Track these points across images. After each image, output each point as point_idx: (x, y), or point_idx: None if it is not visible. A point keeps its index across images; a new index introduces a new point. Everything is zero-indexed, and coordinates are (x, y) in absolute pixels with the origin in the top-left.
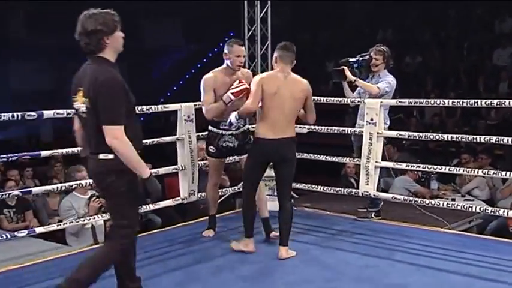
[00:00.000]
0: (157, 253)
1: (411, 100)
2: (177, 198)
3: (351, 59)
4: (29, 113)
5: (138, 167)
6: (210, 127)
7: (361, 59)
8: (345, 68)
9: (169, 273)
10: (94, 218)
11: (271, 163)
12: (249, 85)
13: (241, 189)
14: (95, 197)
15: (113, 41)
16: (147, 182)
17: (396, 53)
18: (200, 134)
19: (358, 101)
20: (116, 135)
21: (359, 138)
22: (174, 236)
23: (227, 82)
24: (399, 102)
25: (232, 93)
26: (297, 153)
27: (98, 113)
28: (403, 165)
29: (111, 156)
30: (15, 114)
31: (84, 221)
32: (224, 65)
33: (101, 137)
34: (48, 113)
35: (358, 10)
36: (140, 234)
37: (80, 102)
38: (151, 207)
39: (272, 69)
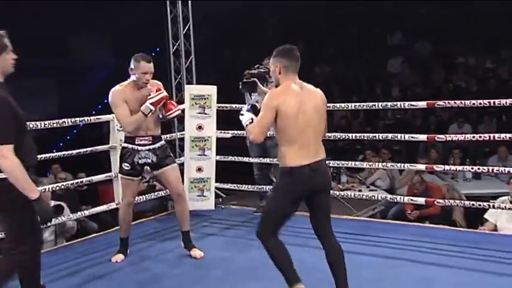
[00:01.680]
0: (94, 256)
1: None
2: (111, 204)
3: (251, 71)
4: None
5: (26, 188)
6: (124, 144)
7: (262, 70)
8: (256, 80)
9: (108, 275)
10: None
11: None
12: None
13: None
14: None
15: (1, 62)
16: (35, 204)
17: (307, 64)
18: None
19: None
20: (3, 154)
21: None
22: (111, 239)
23: (137, 96)
24: None
25: (151, 103)
26: (222, 156)
27: None
28: None
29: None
30: None
31: None
32: (131, 79)
33: None
34: None
35: (274, 25)
36: (78, 240)
37: None
38: (87, 213)
39: (202, 82)
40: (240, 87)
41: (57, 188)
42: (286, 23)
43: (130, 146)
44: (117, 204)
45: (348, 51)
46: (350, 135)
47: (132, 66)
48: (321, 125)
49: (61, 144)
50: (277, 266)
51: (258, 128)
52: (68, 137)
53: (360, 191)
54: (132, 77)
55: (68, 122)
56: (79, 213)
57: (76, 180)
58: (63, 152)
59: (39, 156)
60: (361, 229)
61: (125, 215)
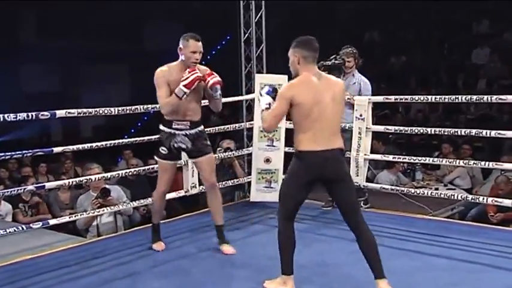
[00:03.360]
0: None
1: (397, 97)
2: (180, 191)
3: (325, 63)
4: (42, 113)
5: None
6: (161, 126)
7: (336, 62)
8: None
9: (173, 261)
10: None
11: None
12: (206, 76)
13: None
14: (94, 198)
15: None
16: None
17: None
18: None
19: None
20: None
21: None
22: (179, 226)
23: (180, 77)
24: (386, 98)
25: (184, 86)
26: (292, 148)
27: None
28: (390, 157)
29: None
30: (30, 114)
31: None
32: (179, 60)
33: None
34: (60, 113)
35: (347, 12)
36: (142, 226)
37: None
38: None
39: (270, 71)
40: None
41: (129, 173)
42: (362, 11)
43: (167, 129)
44: (185, 191)
45: (427, 40)
46: (428, 129)
47: (180, 45)
48: (339, 113)
49: (132, 130)
50: (280, 251)
51: (271, 118)
52: (139, 124)
53: (436, 189)
54: (181, 57)
55: (140, 109)
56: (149, 199)
57: (147, 167)
58: (135, 138)
59: (112, 142)
60: (438, 230)
61: (160, 203)
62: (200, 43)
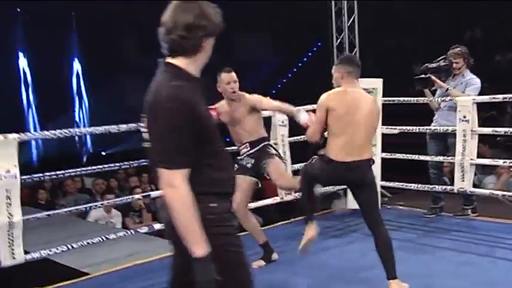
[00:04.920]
0: (255, 251)
1: (505, 96)
2: (275, 198)
3: (430, 65)
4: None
5: (191, 237)
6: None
7: (442, 64)
8: (431, 75)
9: (272, 267)
10: None
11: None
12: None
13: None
14: None
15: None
16: (197, 264)
17: (485, 51)
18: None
19: (450, 99)
20: (170, 183)
21: (439, 137)
22: (276, 233)
23: (227, 110)
24: (493, 98)
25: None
26: (389, 154)
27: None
28: (500, 162)
29: None
30: (132, 125)
31: None
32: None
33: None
34: None
35: (443, 11)
36: (242, 234)
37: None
38: (253, 205)
39: (364, 76)
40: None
41: None
42: (456, 11)
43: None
44: (281, 198)
45: None
46: None
47: (218, 82)
48: (373, 127)
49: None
50: (303, 202)
51: (312, 126)
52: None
53: None
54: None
55: None
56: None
57: None
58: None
59: None
60: None
61: (244, 222)
62: (233, 73)
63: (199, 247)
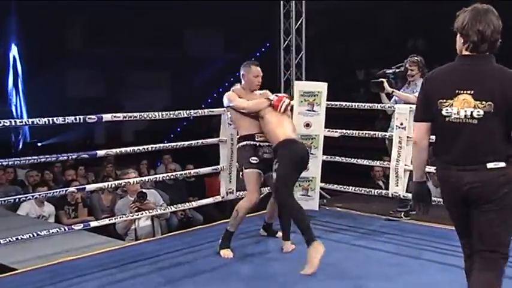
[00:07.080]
0: (199, 248)
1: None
2: (217, 197)
3: (387, 71)
4: (89, 116)
5: None
6: (243, 142)
7: (397, 70)
8: (383, 80)
9: (212, 271)
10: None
11: None
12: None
13: None
14: (131, 202)
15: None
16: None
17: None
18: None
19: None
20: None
21: (390, 143)
22: (216, 232)
23: (250, 98)
24: None
25: (273, 104)
26: (329, 156)
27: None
28: (432, 169)
29: (502, 164)
30: (77, 117)
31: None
32: (241, 85)
33: (497, 144)
34: (107, 117)
35: (389, 20)
36: (184, 230)
37: (466, 107)
38: (194, 204)
39: (309, 79)
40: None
41: (167, 177)
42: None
43: (252, 142)
44: (222, 197)
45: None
46: None
47: (243, 72)
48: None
49: (171, 135)
50: (300, 223)
51: None
52: (178, 129)
53: None
54: (243, 82)
55: (183, 114)
56: (186, 204)
57: (185, 172)
58: (175, 143)
59: (152, 146)
60: None
61: (245, 213)
62: (259, 68)
63: None
